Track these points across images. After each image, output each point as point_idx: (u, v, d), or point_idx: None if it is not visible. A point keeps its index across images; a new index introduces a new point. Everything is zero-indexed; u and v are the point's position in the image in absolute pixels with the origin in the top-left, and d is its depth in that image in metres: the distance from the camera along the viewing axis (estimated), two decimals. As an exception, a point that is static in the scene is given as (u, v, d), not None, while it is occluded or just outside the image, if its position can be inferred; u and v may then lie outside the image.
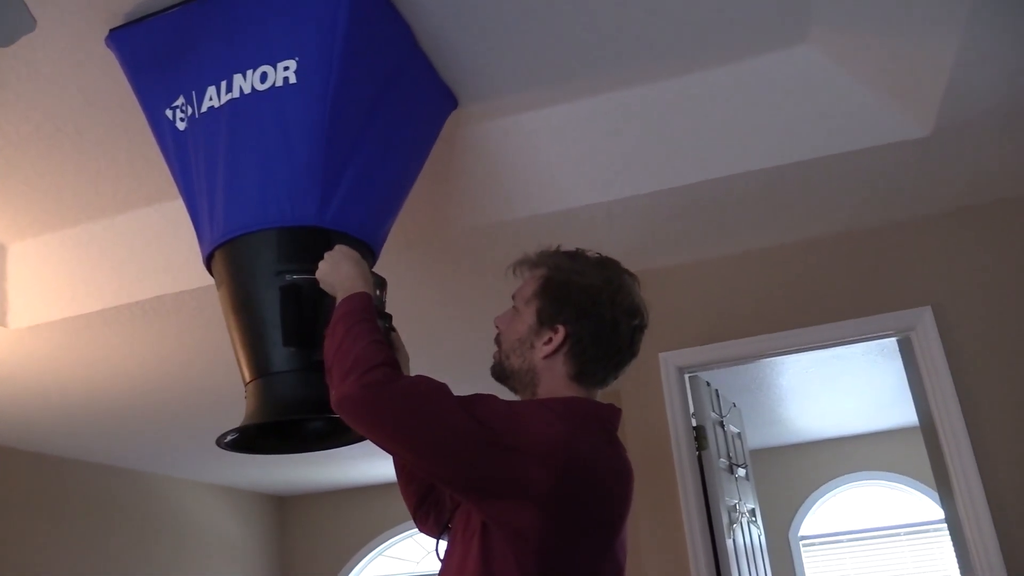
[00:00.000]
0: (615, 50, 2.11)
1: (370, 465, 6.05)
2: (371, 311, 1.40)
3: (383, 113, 1.78)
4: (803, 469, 6.33)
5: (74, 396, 3.86)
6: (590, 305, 1.35)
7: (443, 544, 1.39)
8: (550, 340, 1.35)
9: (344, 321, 1.37)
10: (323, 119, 1.62)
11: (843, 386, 4.81)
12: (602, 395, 1.42)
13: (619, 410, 1.39)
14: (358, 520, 6.93)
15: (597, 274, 1.38)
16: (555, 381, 1.36)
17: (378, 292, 1.58)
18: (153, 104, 1.77)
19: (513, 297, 1.43)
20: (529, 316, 1.38)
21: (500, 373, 1.42)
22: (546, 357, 1.36)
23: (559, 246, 1.45)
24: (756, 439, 6.00)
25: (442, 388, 1.26)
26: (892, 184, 2.50)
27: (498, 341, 1.43)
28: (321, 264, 1.51)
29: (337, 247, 1.52)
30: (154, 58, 1.74)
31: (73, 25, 1.79)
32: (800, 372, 4.47)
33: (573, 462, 1.22)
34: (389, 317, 1.61)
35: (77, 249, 2.74)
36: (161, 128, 1.77)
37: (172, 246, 2.62)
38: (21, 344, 3.11)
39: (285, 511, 7.40)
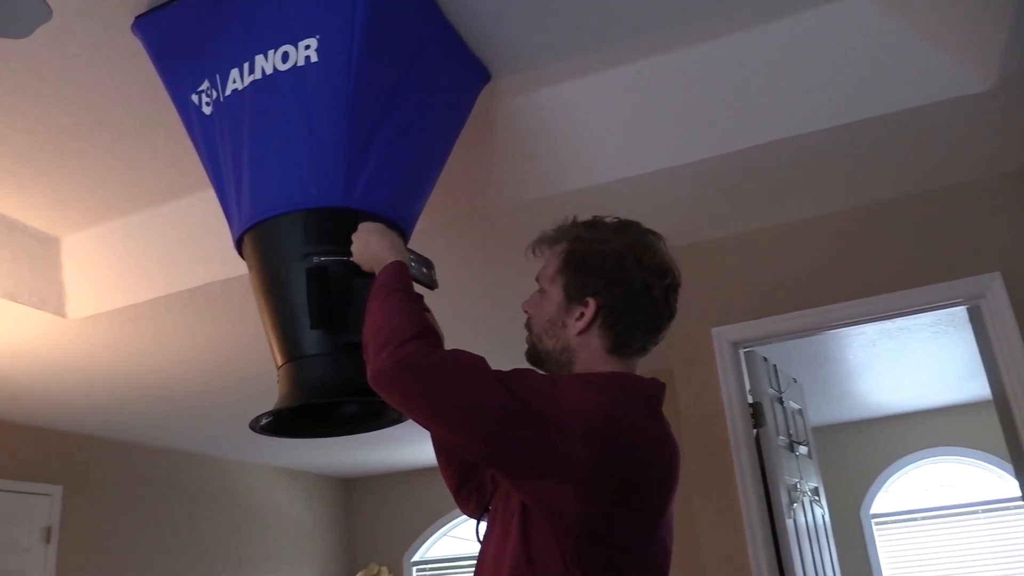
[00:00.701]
0: (654, 11, 2.01)
1: (433, 446, 6.09)
2: (404, 280, 1.38)
3: (410, 89, 1.74)
4: (874, 445, 6.11)
5: (137, 384, 3.97)
6: (617, 271, 1.29)
7: (483, 526, 1.35)
8: (581, 315, 1.30)
9: (377, 294, 1.35)
10: (345, 97, 1.58)
11: (913, 358, 4.61)
12: (651, 371, 1.35)
13: (663, 384, 1.32)
14: (423, 500, 6.99)
15: (619, 239, 1.32)
16: (592, 357, 1.30)
17: (425, 270, 1.55)
18: (179, 90, 1.77)
19: (537, 279, 1.38)
20: (556, 294, 1.32)
21: (535, 357, 1.37)
22: (580, 333, 1.30)
23: (575, 217, 1.39)
24: (823, 415, 5.82)
25: (478, 361, 1.22)
26: (955, 142, 2.35)
27: (529, 326, 1.38)
28: (353, 246, 1.50)
29: (361, 225, 1.50)
30: (179, 43, 1.74)
31: (99, 14, 1.79)
32: (867, 345, 4.29)
33: (613, 437, 1.16)
34: (420, 298, 1.58)
35: (126, 240, 2.78)
36: (188, 114, 1.76)
37: (217, 233, 2.64)
38: (82, 334, 3.20)
39: (351, 492, 7.53)
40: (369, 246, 1.47)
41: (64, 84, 2.04)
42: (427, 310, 1.61)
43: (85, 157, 2.36)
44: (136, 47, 1.88)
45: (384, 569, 7.02)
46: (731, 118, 2.27)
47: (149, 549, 5.26)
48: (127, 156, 2.38)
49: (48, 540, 4.57)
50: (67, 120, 2.18)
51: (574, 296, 1.30)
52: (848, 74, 2.15)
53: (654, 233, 1.36)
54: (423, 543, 6.97)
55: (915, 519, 5.99)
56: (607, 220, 1.36)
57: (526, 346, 1.39)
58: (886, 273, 2.64)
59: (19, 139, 2.25)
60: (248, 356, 3.64)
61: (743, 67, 2.19)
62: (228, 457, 6.10)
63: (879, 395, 5.45)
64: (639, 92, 2.27)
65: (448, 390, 1.19)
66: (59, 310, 2.99)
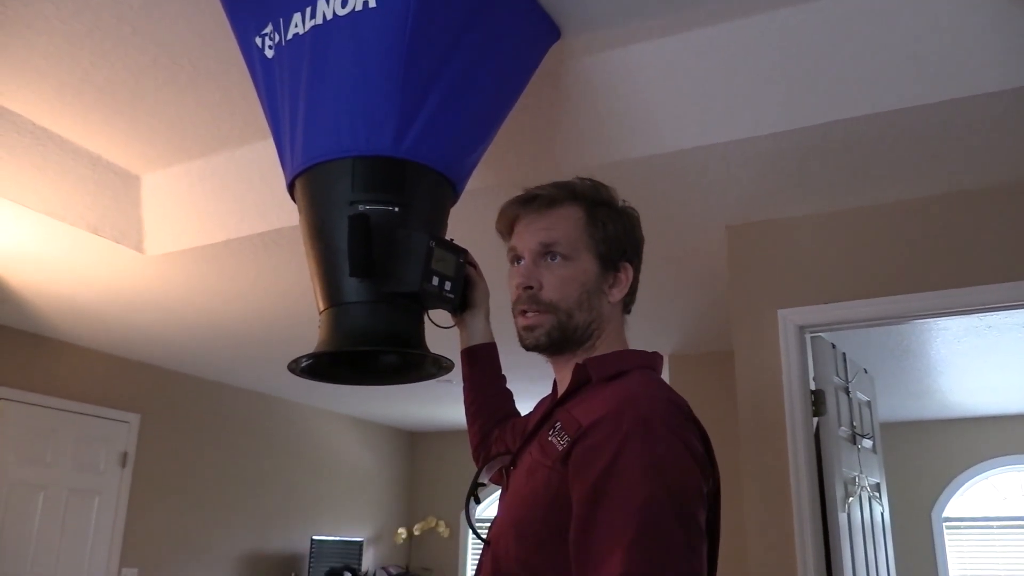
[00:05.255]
0: (733, -27, 1.92)
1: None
2: None
3: (470, 41, 1.70)
4: (953, 446, 5.85)
5: (211, 323, 4.11)
6: (639, 232, 1.26)
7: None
8: (615, 282, 1.22)
9: None
10: (402, 45, 1.56)
11: (1002, 359, 4.36)
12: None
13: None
14: (483, 460, 7.08)
15: (616, 196, 1.26)
16: (616, 323, 1.24)
17: (461, 260, 1.52)
18: (245, 32, 1.78)
19: (550, 246, 1.20)
20: (588, 262, 1.21)
21: (559, 339, 1.19)
22: (615, 302, 1.23)
23: (575, 179, 1.28)
24: (900, 411, 5.60)
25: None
26: (1061, 128, 2.17)
27: (543, 300, 1.19)
28: None
29: None
30: (246, -15, 1.75)
31: (174, -46, 1.82)
32: (951, 341, 4.08)
33: (708, 469, 1.09)
34: (464, 252, 1.56)
35: (202, 181, 2.86)
36: (251, 57, 1.78)
37: (285, 180, 2.69)
38: (158, 270, 3.33)
39: (416, 446, 7.69)
40: None
41: (142, 23, 2.08)
42: (473, 265, 1.59)
43: (163, 96, 2.42)
44: (209, -12, 1.91)
45: (442, 523, 7.16)
46: (813, 89, 2.15)
47: (217, 481, 5.50)
48: (203, 97, 2.43)
49: (124, 464, 4.83)
50: (145, 59, 2.23)
51: (610, 264, 1.22)
52: (944, 48, 2.00)
53: None
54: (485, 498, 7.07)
55: (990, 527, 5.72)
56: (590, 179, 1.28)
57: (535, 328, 1.19)
58: (975, 265, 2.47)
59: (102, 76, 2.32)
60: (313, 304, 3.71)
61: (828, 35, 2.06)
62: (298, 401, 6.30)
63: (961, 395, 5.20)
64: (716, 58, 2.18)
65: None
66: (138, 246, 3.11)
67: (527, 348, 1.23)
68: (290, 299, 3.68)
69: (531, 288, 1.20)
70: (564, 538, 1.03)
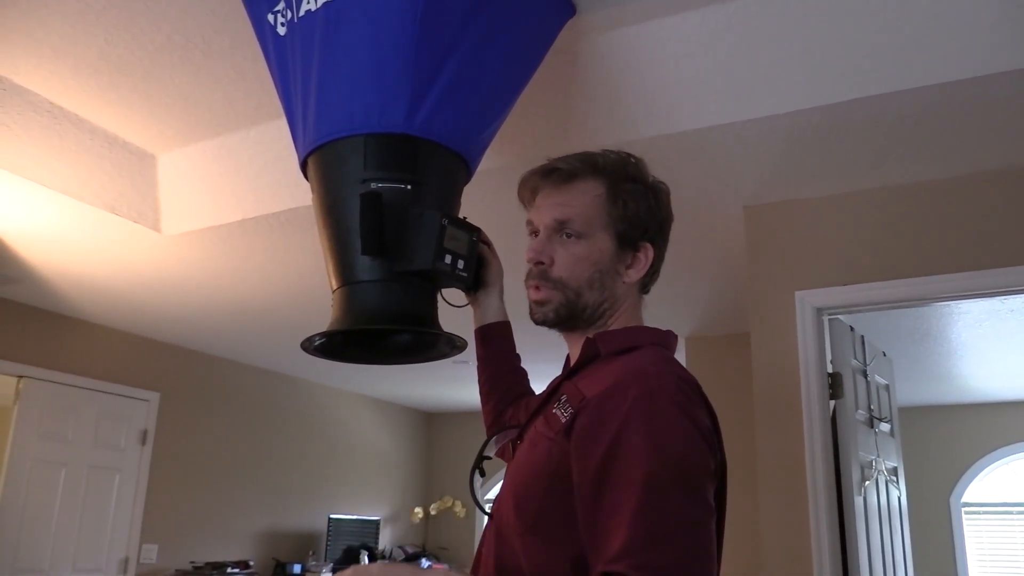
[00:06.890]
0: (752, -53, 1.88)
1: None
2: None
3: (483, 16, 1.68)
4: (973, 431, 5.80)
5: (228, 302, 4.13)
6: (665, 211, 1.21)
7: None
8: (633, 262, 1.19)
9: None
10: (414, 20, 1.55)
11: (1023, 343, 4.30)
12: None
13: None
14: (498, 441, 7.12)
15: (647, 173, 1.21)
16: (629, 303, 1.21)
17: (474, 238, 1.50)
18: (257, 8, 1.77)
19: (564, 223, 1.17)
20: (604, 240, 1.17)
21: (567, 316, 1.18)
22: (631, 282, 1.19)
23: (603, 151, 1.23)
24: (919, 395, 5.56)
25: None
26: (1089, 107, 2.11)
27: (552, 277, 1.17)
28: None
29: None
30: (258, -40, 1.73)
31: (187, -71, 1.81)
32: (972, 325, 4.03)
33: (715, 445, 1.06)
34: (478, 230, 1.55)
35: (218, 160, 2.86)
36: (264, 33, 1.77)
37: (300, 159, 2.68)
38: (175, 250, 3.34)
39: (432, 426, 7.73)
40: None
41: (156, 1, 2.08)
42: (486, 243, 1.58)
43: (178, 75, 2.42)
44: (222, -35, 1.89)
45: (458, 503, 7.20)
46: (834, 67, 2.11)
47: (235, 459, 5.56)
48: (218, 76, 2.43)
49: (144, 442, 4.88)
50: (159, 37, 2.23)
51: (628, 243, 1.18)
52: (970, 25, 1.96)
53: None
54: (500, 480, 7.10)
55: (1010, 512, 5.67)
56: (618, 152, 1.22)
57: (544, 303, 1.18)
58: (996, 247, 2.43)
59: (117, 55, 2.32)
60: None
61: (849, 12, 2.02)
62: (316, 380, 6.34)
63: (982, 380, 5.14)
64: (735, 35, 2.14)
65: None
66: (155, 225, 3.12)
67: (535, 322, 1.21)
68: (306, 278, 3.69)
69: (542, 264, 1.18)
70: (563, 510, 1.01)
